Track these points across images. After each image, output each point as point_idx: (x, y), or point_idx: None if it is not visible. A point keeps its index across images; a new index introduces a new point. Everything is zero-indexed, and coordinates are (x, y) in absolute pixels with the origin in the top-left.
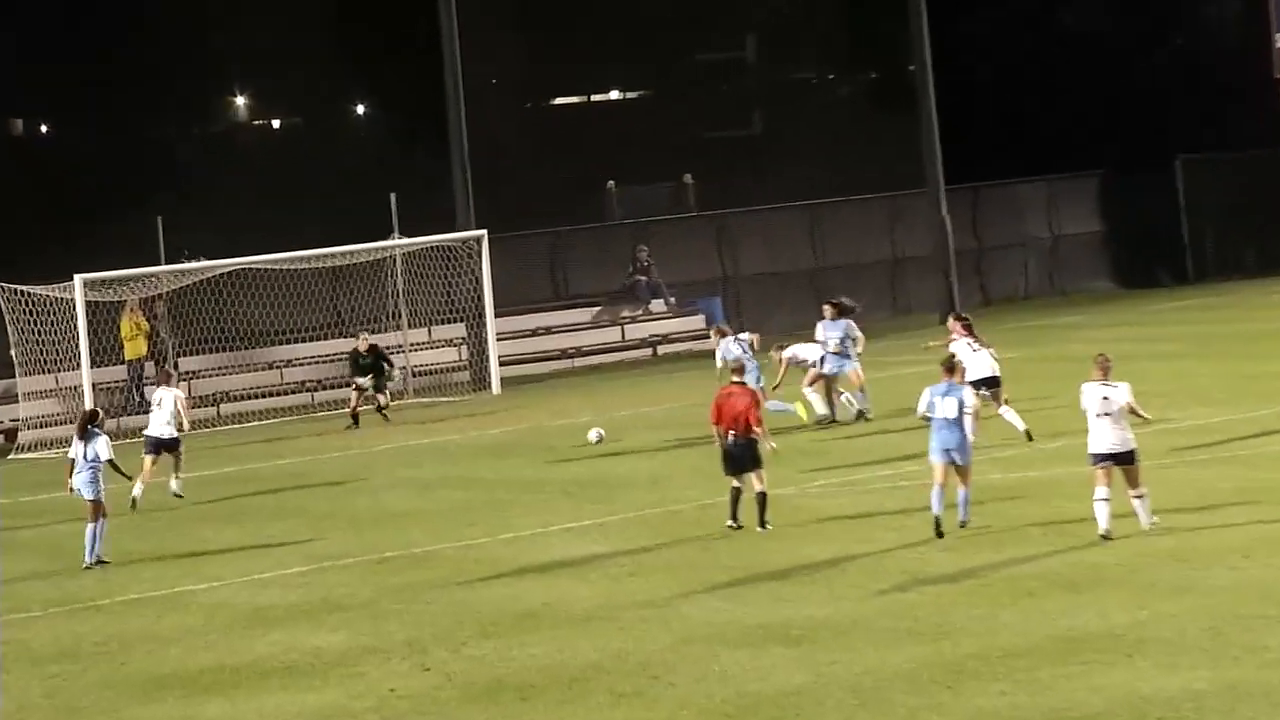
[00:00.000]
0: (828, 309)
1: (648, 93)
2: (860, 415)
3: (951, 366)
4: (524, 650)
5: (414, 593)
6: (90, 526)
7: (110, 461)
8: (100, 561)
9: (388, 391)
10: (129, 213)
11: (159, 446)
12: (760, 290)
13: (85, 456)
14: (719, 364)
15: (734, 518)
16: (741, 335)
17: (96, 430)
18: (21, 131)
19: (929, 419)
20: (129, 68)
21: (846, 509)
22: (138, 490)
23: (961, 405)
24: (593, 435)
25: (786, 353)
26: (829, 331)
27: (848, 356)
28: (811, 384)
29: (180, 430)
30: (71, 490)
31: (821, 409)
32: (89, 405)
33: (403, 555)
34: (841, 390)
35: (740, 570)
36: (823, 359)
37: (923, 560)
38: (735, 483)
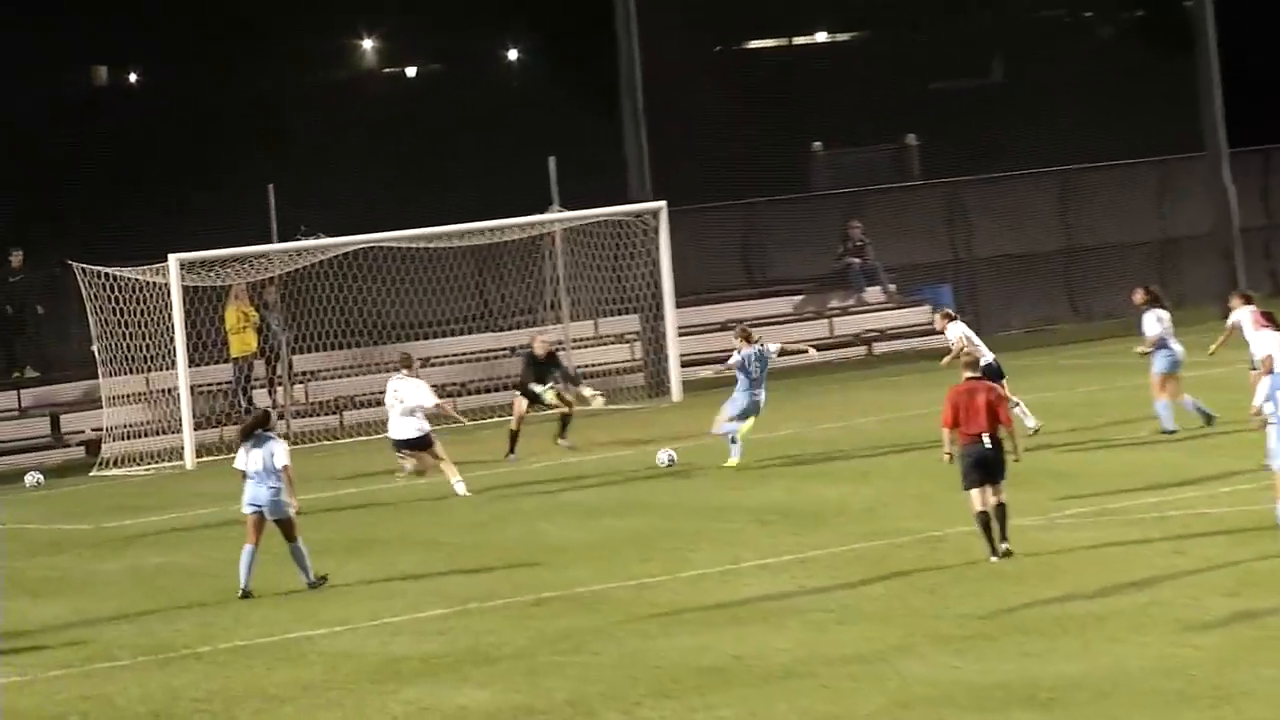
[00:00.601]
0: (1140, 294)
1: (862, 34)
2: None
3: None
4: (710, 712)
5: (577, 642)
6: (249, 548)
7: (286, 469)
8: (320, 580)
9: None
10: (234, 179)
11: (403, 448)
12: (999, 275)
13: (264, 466)
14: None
15: (994, 549)
16: (770, 346)
17: (269, 434)
18: (105, 81)
19: (1266, 416)
20: (233, 3)
21: (1104, 542)
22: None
23: None
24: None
25: (953, 332)
26: (1150, 322)
27: (1167, 346)
28: (1162, 390)
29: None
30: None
31: (1170, 423)
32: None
33: (563, 596)
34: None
35: (973, 617)
36: (1156, 357)
37: (1198, 607)
38: (979, 504)
